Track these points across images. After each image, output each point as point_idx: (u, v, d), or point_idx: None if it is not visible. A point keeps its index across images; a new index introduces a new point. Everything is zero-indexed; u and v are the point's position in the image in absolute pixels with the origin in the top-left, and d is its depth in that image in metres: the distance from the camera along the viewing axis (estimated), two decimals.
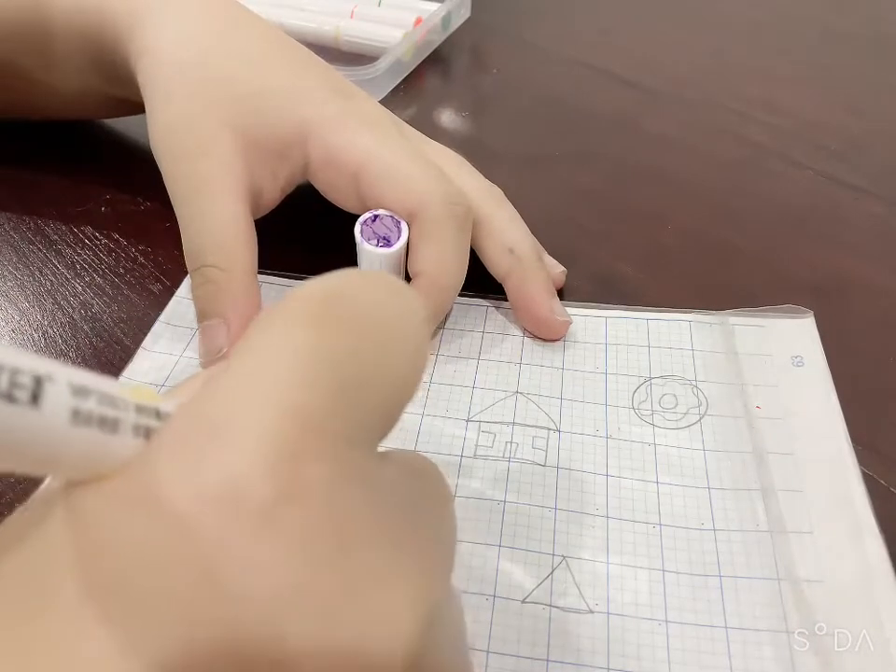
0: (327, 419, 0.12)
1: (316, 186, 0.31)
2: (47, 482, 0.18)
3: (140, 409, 0.12)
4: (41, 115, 0.40)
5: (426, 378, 0.28)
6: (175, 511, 0.11)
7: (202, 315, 0.29)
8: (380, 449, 0.14)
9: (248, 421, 0.11)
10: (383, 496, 0.13)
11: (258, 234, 0.29)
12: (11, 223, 0.36)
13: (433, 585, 0.13)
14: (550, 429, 0.26)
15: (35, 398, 0.10)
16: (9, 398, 0.10)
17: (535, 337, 0.30)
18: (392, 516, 0.13)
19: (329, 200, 0.31)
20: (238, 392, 0.12)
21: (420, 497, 0.15)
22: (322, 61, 0.33)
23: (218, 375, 0.13)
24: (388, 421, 0.14)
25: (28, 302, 0.32)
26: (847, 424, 0.26)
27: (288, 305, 0.13)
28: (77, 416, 0.11)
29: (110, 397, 0.11)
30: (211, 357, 0.28)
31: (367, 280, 0.15)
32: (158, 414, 0.12)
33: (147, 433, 0.12)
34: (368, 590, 0.12)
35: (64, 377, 0.11)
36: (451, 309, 0.31)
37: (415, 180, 0.28)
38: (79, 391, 0.11)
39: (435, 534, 0.14)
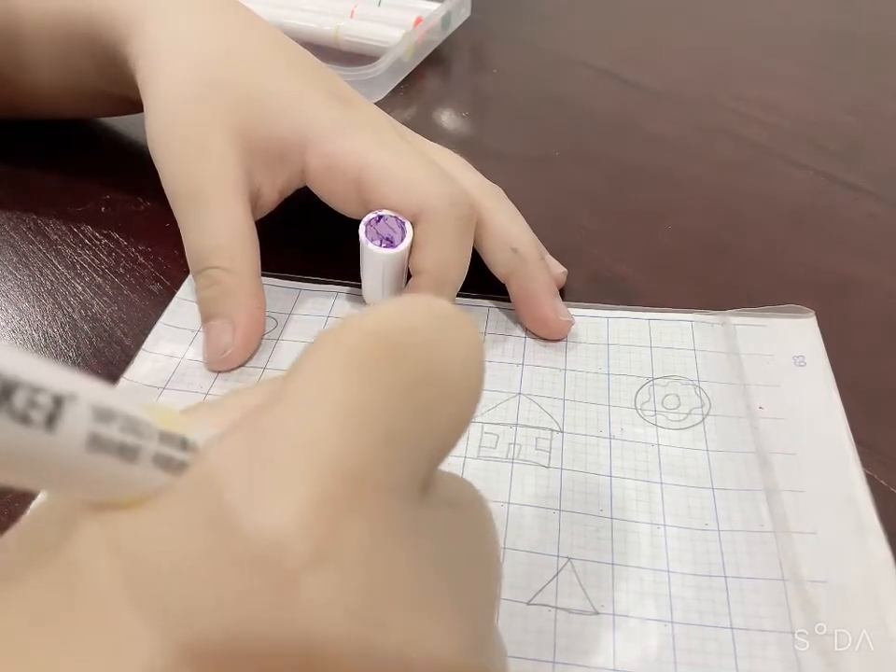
0: (371, 471, 0.12)
1: (316, 192, 0.31)
2: (41, 497, 0.18)
3: (164, 437, 0.11)
4: (41, 114, 0.40)
5: None
6: (204, 564, 0.11)
7: (207, 316, 0.29)
8: None
9: (289, 474, 0.11)
10: (424, 549, 0.13)
11: (259, 235, 0.29)
12: (11, 223, 0.36)
13: (472, 645, 0.13)
14: (553, 430, 0.26)
15: (52, 420, 0.10)
16: (24, 419, 0.09)
17: (537, 337, 0.30)
18: (432, 573, 0.12)
19: (330, 205, 0.31)
20: (282, 442, 0.12)
21: (464, 540, 0.14)
22: (322, 64, 0.32)
23: (261, 414, 0.12)
24: (439, 460, 0.14)
25: (28, 302, 0.32)
26: (848, 423, 0.26)
27: (340, 345, 0.13)
28: (95, 442, 0.10)
29: (134, 422, 0.11)
30: (216, 358, 0.28)
31: (426, 311, 0.14)
32: (184, 444, 0.12)
33: (167, 463, 0.11)
34: (398, 655, 0.11)
35: (89, 398, 0.10)
36: None
37: (418, 182, 0.28)
38: (102, 415, 0.10)
39: (478, 582, 0.14)
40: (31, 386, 0.09)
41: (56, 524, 0.12)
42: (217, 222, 0.28)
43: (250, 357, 0.29)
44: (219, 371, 0.28)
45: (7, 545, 0.12)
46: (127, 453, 0.11)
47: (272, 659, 0.10)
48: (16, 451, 0.09)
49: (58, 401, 0.10)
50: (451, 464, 0.25)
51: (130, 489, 0.11)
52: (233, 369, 0.28)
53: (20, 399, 0.09)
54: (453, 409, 0.14)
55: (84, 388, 0.10)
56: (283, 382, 0.13)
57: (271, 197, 0.31)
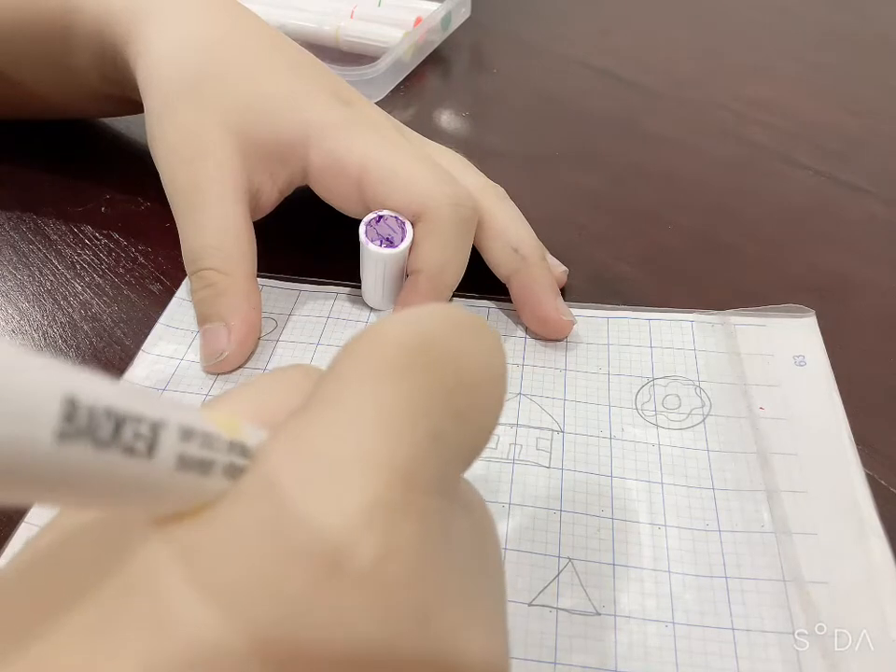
0: (419, 472, 0.12)
1: (316, 191, 0.31)
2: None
3: (231, 447, 0.12)
4: (41, 115, 0.40)
5: None
6: (273, 564, 0.11)
7: (202, 319, 0.29)
8: None
9: (344, 477, 0.11)
10: (459, 549, 0.13)
11: (258, 236, 0.29)
12: (11, 223, 0.36)
13: (506, 645, 0.13)
14: (554, 431, 0.26)
15: (152, 448, 0.10)
16: (130, 451, 0.09)
17: (537, 338, 0.30)
18: (469, 575, 0.13)
19: (330, 205, 0.31)
20: (335, 447, 0.12)
21: (478, 543, 0.14)
22: (323, 65, 0.32)
23: (310, 418, 0.12)
24: (470, 463, 0.14)
25: (28, 302, 0.32)
26: (848, 423, 0.26)
27: (373, 352, 0.13)
28: (182, 462, 0.10)
29: (208, 437, 0.11)
30: (212, 361, 0.28)
31: (450, 320, 0.15)
32: (244, 451, 0.12)
33: (233, 472, 0.12)
34: (447, 651, 0.12)
35: (175, 420, 0.10)
36: None
37: (420, 182, 0.28)
38: (186, 434, 0.10)
39: (497, 584, 0.15)
40: (135, 418, 0.10)
41: (107, 538, 0.12)
42: (212, 223, 0.28)
43: (248, 359, 0.29)
44: (217, 374, 0.28)
45: (40, 564, 0.12)
46: (204, 467, 0.11)
47: (332, 658, 0.11)
48: (117, 481, 0.10)
49: (155, 429, 0.10)
50: None
51: (197, 500, 0.11)
52: (232, 370, 0.28)
53: (127, 433, 0.09)
54: (483, 413, 0.14)
55: (170, 411, 0.10)
56: (322, 386, 0.13)
57: (271, 197, 0.31)
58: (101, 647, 0.10)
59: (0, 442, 0.08)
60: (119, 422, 0.09)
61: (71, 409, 0.09)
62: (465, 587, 0.13)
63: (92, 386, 0.09)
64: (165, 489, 0.10)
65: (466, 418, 0.14)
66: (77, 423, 0.09)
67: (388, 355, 0.13)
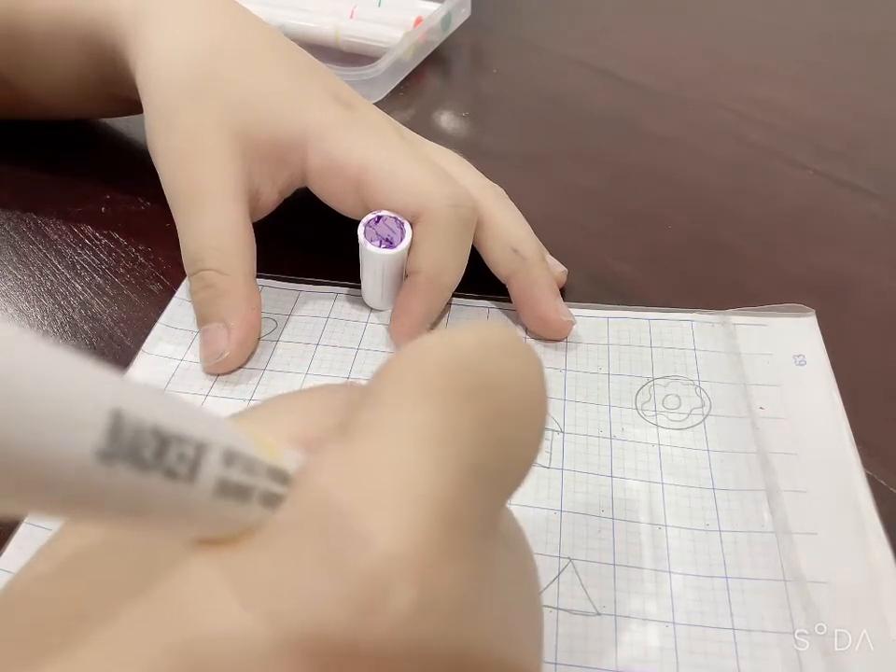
0: (462, 509, 0.12)
1: (316, 192, 0.31)
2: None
3: (271, 473, 0.11)
4: (41, 115, 0.40)
5: None
6: (321, 595, 0.11)
7: (202, 320, 0.29)
8: None
9: (388, 512, 0.11)
10: (500, 587, 0.13)
11: (258, 237, 0.29)
12: (11, 223, 0.36)
13: None
14: (554, 431, 0.26)
15: (193, 472, 0.09)
16: (172, 474, 0.09)
17: (537, 338, 0.30)
18: (506, 612, 0.13)
19: (329, 205, 0.31)
20: (378, 479, 0.11)
21: (520, 578, 0.14)
22: (322, 66, 0.32)
23: (351, 446, 0.12)
24: (510, 495, 0.14)
25: (28, 302, 0.32)
26: (848, 423, 0.26)
27: (415, 376, 0.13)
28: (222, 488, 0.10)
29: (250, 462, 0.10)
30: (212, 361, 0.28)
31: (488, 342, 0.14)
32: (284, 478, 0.11)
33: (271, 500, 0.11)
34: None
35: (220, 442, 0.10)
36: (450, 310, 0.31)
37: (419, 183, 0.28)
38: (229, 458, 0.10)
39: (535, 623, 0.14)
40: (180, 438, 0.09)
41: (139, 553, 0.12)
42: (211, 224, 0.28)
43: (247, 360, 0.29)
44: (217, 374, 0.28)
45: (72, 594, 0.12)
46: (243, 494, 0.10)
47: None
48: (150, 504, 0.09)
49: (199, 450, 0.09)
50: None
51: (228, 527, 0.11)
52: (232, 371, 0.28)
53: (171, 455, 0.09)
54: (526, 443, 0.14)
55: (214, 429, 0.10)
56: (363, 410, 0.13)
57: (271, 198, 0.31)
58: (136, 662, 0.10)
59: (35, 456, 0.07)
60: (163, 442, 0.08)
61: (116, 425, 0.08)
62: (503, 629, 0.12)
63: (140, 400, 0.08)
64: (198, 515, 0.10)
65: (510, 447, 0.13)
66: (121, 441, 0.08)
67: (431, 379, 0.13)
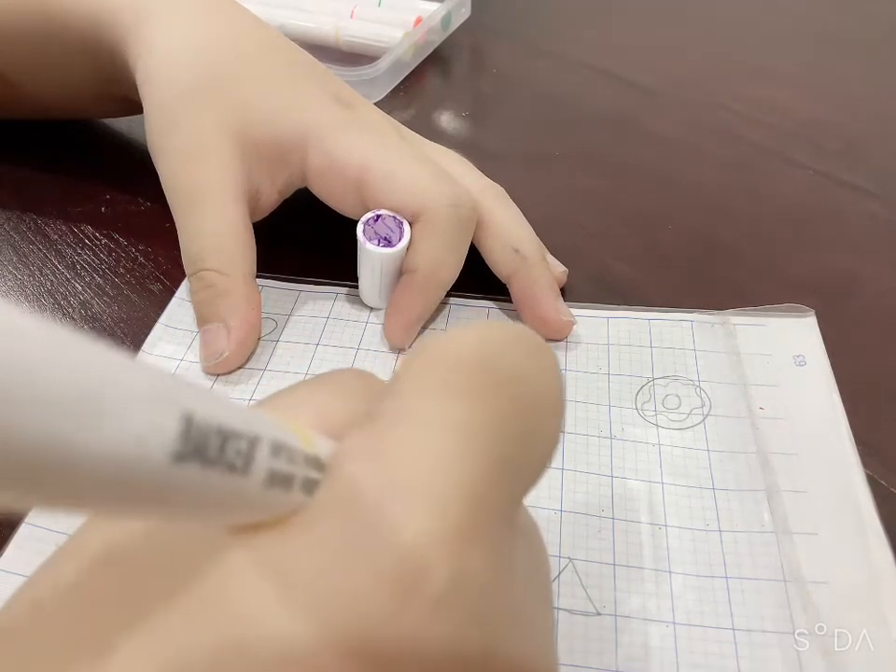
0: (490, 497, 0.12)
1: (316, 192, 0.31)
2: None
3: (308, 460, 0.11)
4: (41, 114, 0.40)
5: None
6: (359, 579, 0.11)
7: (202, 320, 0.29)
8: None
9: (422, 498, 0.11)
10: (520, 577, 0.13)
11: (258, 237, 0.29)
12: (11, 223, 0.36)
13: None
14: None
15: (247, 465, 0.10)
16: (232, 468, 0.09)
17: None
18: (525, 601, 0.13)
19: (329, 205, 0.31)
20: (409, 466, 0.12)
21: (536, 570, 0.14)
22: (322, 66, 0.32)
23: (381, 435, 0.12)
24: (529, 490, 0.14)
25: (28, 302, 0.32)
26: (848, 423, 0.26)
27: (442, 367, 0.13)
28: (271, 477, 0.10)
29: (291, 451, 0.11)
30: (212, 361, 0.28)
31: (509, 338, 0.14)
32: (319, 465, 0.12)
33: (308, 486, 0.11)
34: None
35: (268, 435, 0.10)
36: (450, 310, 0.31)
37: (419, 183, 0.28)
38: (276, 449, 0.10)
39: (548, 611, 0.15)
40: (236, 434, 0.09)
41: (176, 543, 0.12)
42: (211, 224, 0.28)
43: (248, 360, 0.29)
44: (217, 374, 0.28)
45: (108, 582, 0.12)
46: (287, 482, 0.11)
47: None
48: (211, 497, 0.09)
49: (252, 444, 0.10)
50: None
51: (274, 514, 0.11)
52: (232, 371, 0.28)
53: (230, 451, 0.09)
54: (546, 437, 0.14)
55: (261, 423, 0.10)
56: (390, 398, 0.13)
57: (270, 198, 0.31)
58: (180, 653, 0.10)
59: (116, 460, 0.08)
60: (225, 439, 0.09)
61: (188, 427, 0.09)
62: (524, 616, 0.13)
63: (205, 402, 0.09)
64: (251, 504, 0.10)
65: (532, 439, 0.13)
66: (192, 441, 0.09)
67: (460, 371, 0.13)
